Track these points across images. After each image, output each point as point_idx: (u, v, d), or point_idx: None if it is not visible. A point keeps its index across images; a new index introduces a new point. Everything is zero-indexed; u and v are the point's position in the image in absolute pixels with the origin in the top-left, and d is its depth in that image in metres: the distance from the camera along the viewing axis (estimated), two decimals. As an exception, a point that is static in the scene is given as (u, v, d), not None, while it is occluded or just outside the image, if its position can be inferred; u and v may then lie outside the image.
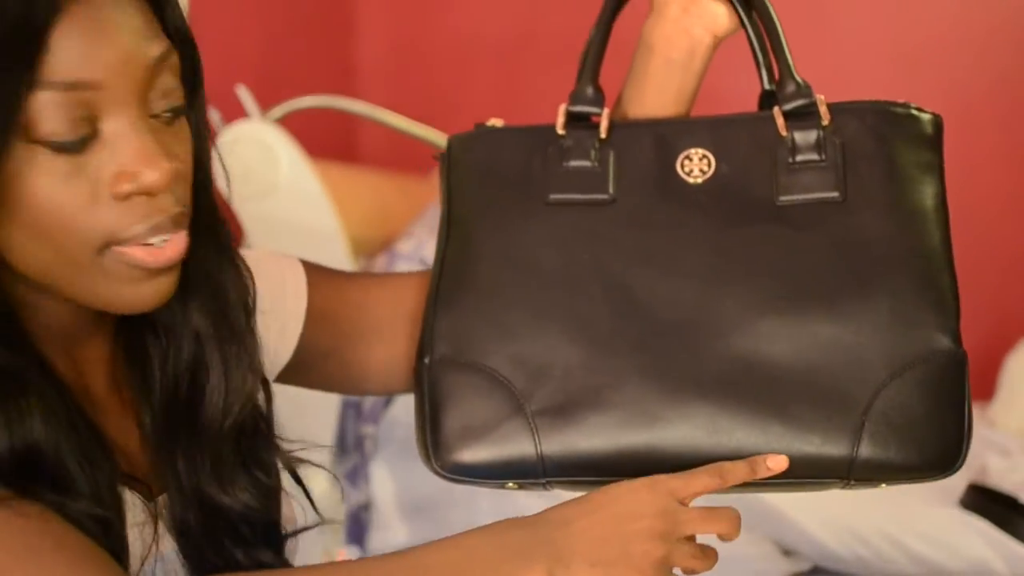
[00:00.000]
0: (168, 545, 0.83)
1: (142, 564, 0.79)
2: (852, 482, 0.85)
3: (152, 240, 0.77)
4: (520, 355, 0.88)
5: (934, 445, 0.84)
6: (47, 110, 0.73)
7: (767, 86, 0.98)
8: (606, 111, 0.94)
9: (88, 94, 0.74)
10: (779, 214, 0.89)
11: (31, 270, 0.76)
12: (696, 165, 0.91)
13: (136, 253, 0.76)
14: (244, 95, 1.78)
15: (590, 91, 0.96)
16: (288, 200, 1.85)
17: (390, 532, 1.87)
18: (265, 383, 0.90)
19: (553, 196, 0.92)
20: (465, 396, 0.88)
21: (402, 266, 1.78)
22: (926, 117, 0.92)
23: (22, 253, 0.75)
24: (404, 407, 1.73)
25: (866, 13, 2.49)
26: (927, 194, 0.89)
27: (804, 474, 0.84)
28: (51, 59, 0.72)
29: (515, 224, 0.92)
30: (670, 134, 0.92)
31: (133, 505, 0.81)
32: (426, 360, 0.89)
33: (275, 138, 1.82)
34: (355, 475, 1.88)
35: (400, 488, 1.86)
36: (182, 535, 0.83)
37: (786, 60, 0.94)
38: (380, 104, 1.58)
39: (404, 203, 2.20)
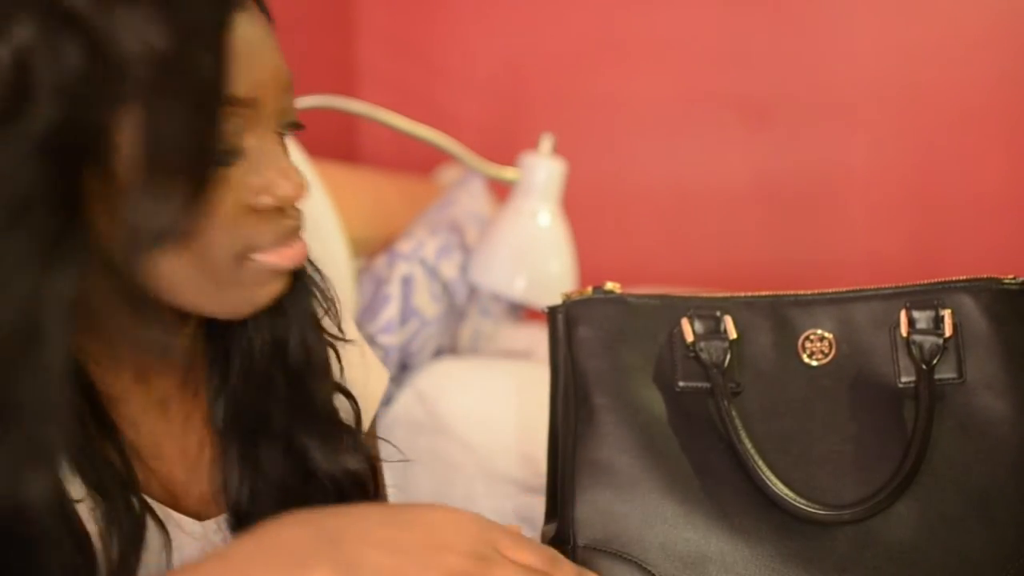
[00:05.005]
0: None
1: None
2: None
3: (282, 248, 0.79)
4: (669, 546, 0.89)
5: None
6: (209, 128, 0.72)
7: None
8: (728, 319, 0.95)
9: (242, 110, 0.76)
10: (901, 395, 0.91)
11: (168, 286, 0.76)
12: (817, 347, 0.94)
13: (271, 258, 0.79)
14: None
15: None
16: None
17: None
18: (351, 397, 0.91)
19: (682, 384, 0.93)
20: None
21: (402, 266, 1.78)
22: None
23: (166, 269, 0.75)
24: (404, 406, 1.73)
25: (866, 11, 2.50)
26: None
27: None
28: (223, 73, 0.71)
29: (648, 409, 0.93)
30: (790, 316, 0.94)
31: (186, 526, 0.80)
32: (569, 547, 0.90)
33: (275, 138, 1.82)
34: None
35: (399, 488, 1.86)
36: None
37: None
38: (380, 104, 1.58)
39: (404, 203, 2.20)
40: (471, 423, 1.68)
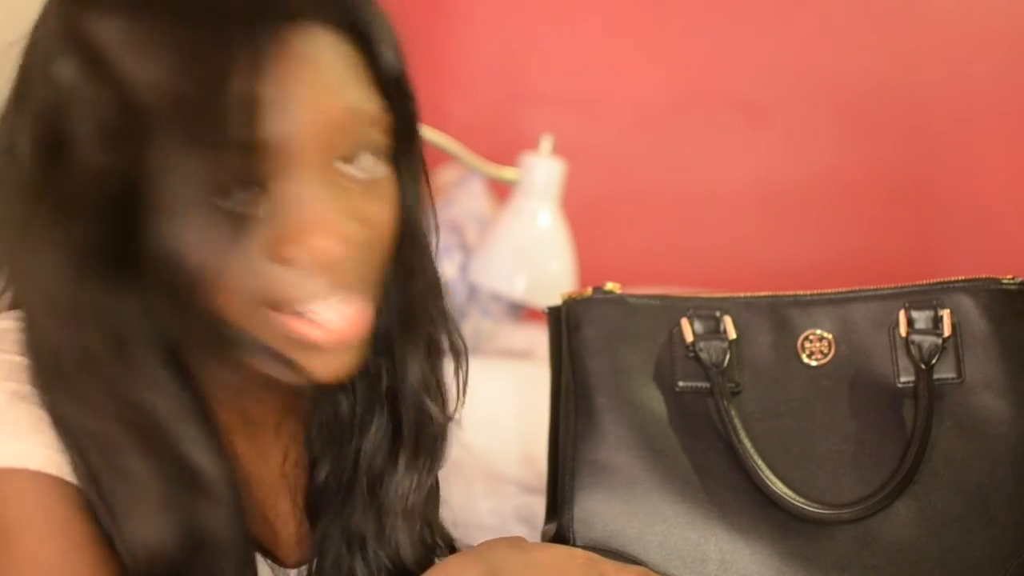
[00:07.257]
0: None
1: None
2: None
3: (313, 308, 0.70)
4: (669, 546, 0.89)
5: None
6: (222, 169, 0.66)
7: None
8: (728, 319, 0.95)
9: (271, 152, 0.67)
10: (900, 395, 0.91)
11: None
12: (816, 347, 0.94)
13: (293, 325, 0.70)
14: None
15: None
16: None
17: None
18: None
19: (682, 384, 0.93)
20: None
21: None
22: None
23: (221, 310, 0.70)
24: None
25: (866, 11, 2.50)
26: None
27: None
28: (242, 117, 0.65)
29: (647, 409, 0.93)
30: (789, 316, 0.95)
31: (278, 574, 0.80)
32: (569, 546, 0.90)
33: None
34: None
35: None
36: None
37: None
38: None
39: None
40: (471, 423, 1.68)
